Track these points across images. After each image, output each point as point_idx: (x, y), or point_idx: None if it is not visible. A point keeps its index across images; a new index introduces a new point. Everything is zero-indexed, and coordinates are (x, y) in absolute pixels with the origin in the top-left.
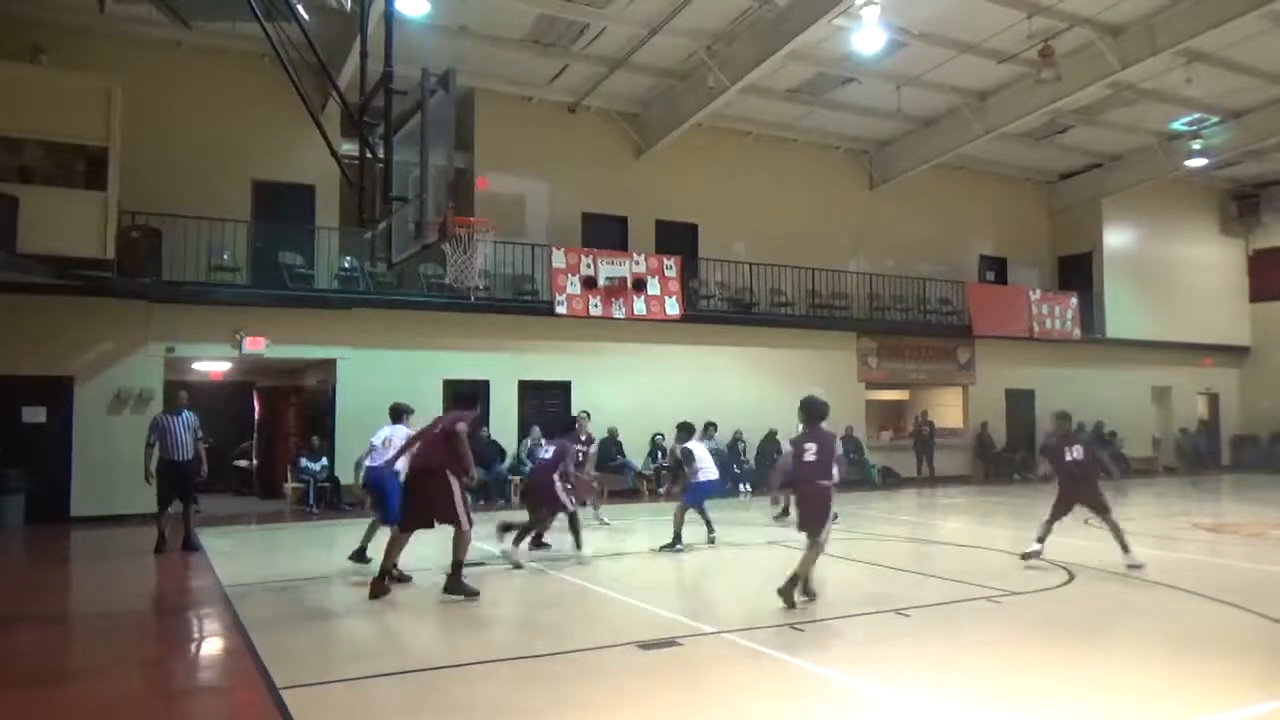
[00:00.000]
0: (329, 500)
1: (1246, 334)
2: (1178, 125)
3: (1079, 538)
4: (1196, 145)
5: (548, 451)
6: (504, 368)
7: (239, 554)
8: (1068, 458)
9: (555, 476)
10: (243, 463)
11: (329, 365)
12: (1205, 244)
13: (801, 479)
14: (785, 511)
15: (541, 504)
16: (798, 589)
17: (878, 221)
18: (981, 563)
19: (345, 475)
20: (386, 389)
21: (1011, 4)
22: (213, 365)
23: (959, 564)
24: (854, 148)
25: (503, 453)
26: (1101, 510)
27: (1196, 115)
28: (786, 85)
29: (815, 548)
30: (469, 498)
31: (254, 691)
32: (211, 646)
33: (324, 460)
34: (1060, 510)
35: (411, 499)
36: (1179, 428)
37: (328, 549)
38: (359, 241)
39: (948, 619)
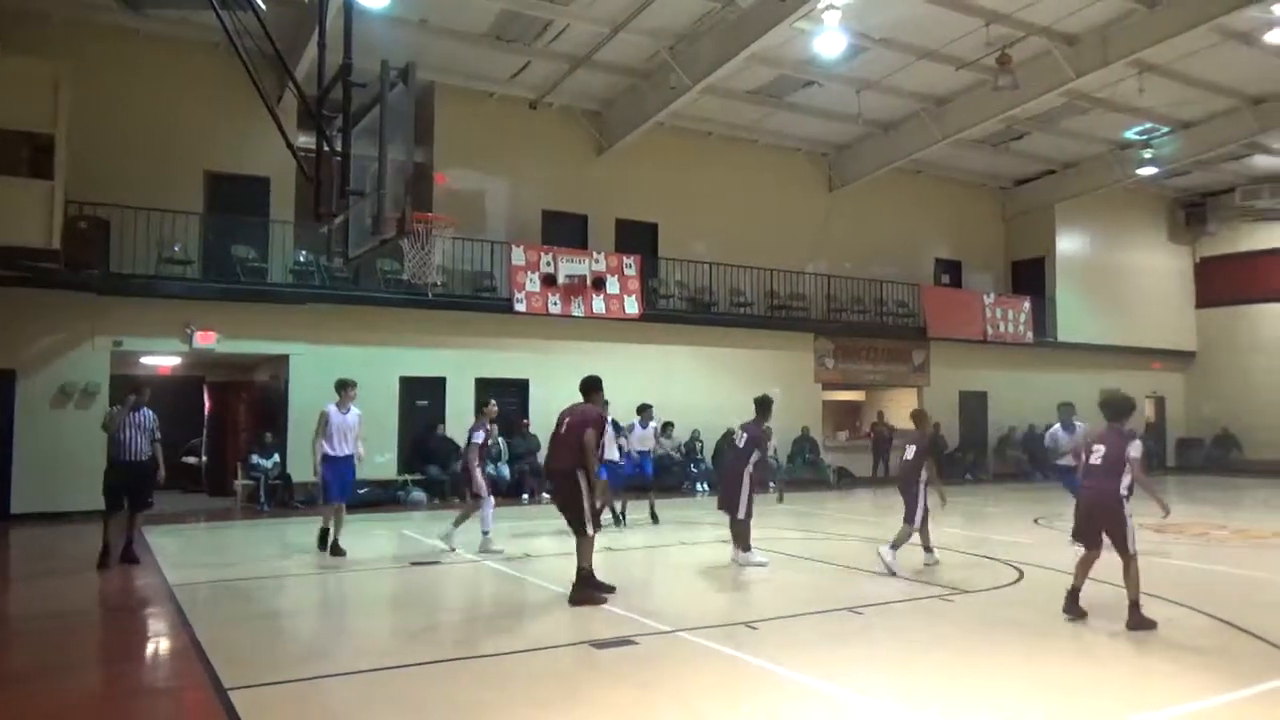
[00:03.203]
0: (281, 498)
1: (1193, 339)
2: (1129, 134)
3: (1027, 536)
4: (1147, 154)
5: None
6: (461, 365)
7: (187, 553)
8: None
9: (472, 464)
10: (191, 459)
11: (282, 361)
12: (1154, 251)
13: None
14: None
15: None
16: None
17: (836, 224)
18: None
19: (299, 471)
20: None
21: (970, 11)
22: (161, 360)
23: (912, 563)
24: (814, 150)
25: (458, 450)
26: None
27: (1148, 125)
28: (748, 86)
29: (736, 524)
30: None
31: (201, 692)
32: (157, 647)
33: (276, 457)
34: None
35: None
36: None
37: (279, 547)
38: (315, 236)
39: (900, 617)
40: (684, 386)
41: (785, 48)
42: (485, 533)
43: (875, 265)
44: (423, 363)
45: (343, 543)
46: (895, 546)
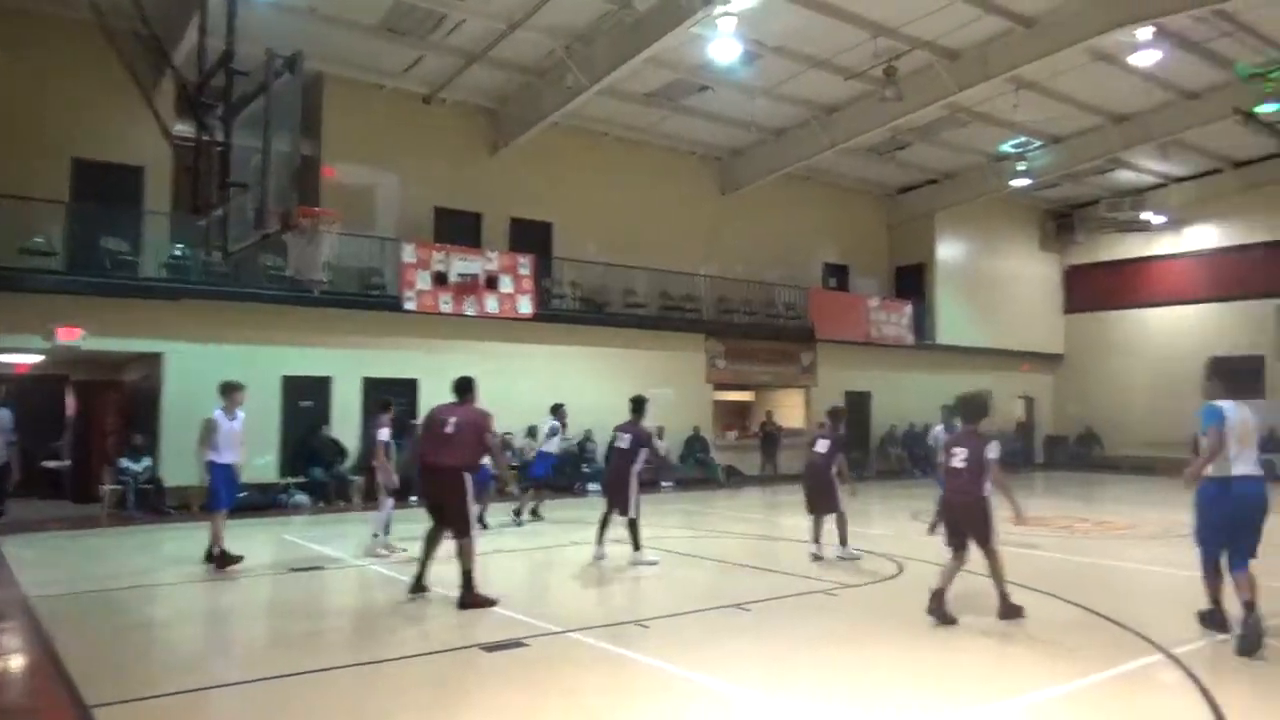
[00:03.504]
0: (151, 503)
1: (1060, 343)
2: (1005, 147)
3: (907, 531)
4: (1021, 167)
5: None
6: (348, 364)
7: (47, 562)
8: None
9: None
10: (53, 464)
11: (155, 360)
12: (1026, 259)
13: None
14: None
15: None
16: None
17: (728, 227)
18: (820, 558)
19: (173, 475)
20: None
21: (859, 24)
22: (20, 358)
23: (799, 559)
24: (707, 154)
25: (343, 452)
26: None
27: (1022, 139)
28: (644, 89)
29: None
30: None
31: (60, 713)
32: (7, 665)
33: (147, 460)
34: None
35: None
36: (999, 429)
37: (151, 555)
38: (192, 229)
39: (787, 613)
40: (577, 387)
41: (681, 52)
42: (376, 535)
43: (765, 268)
44: (307, 362)
45: (216, 550)
46: (844, 541)
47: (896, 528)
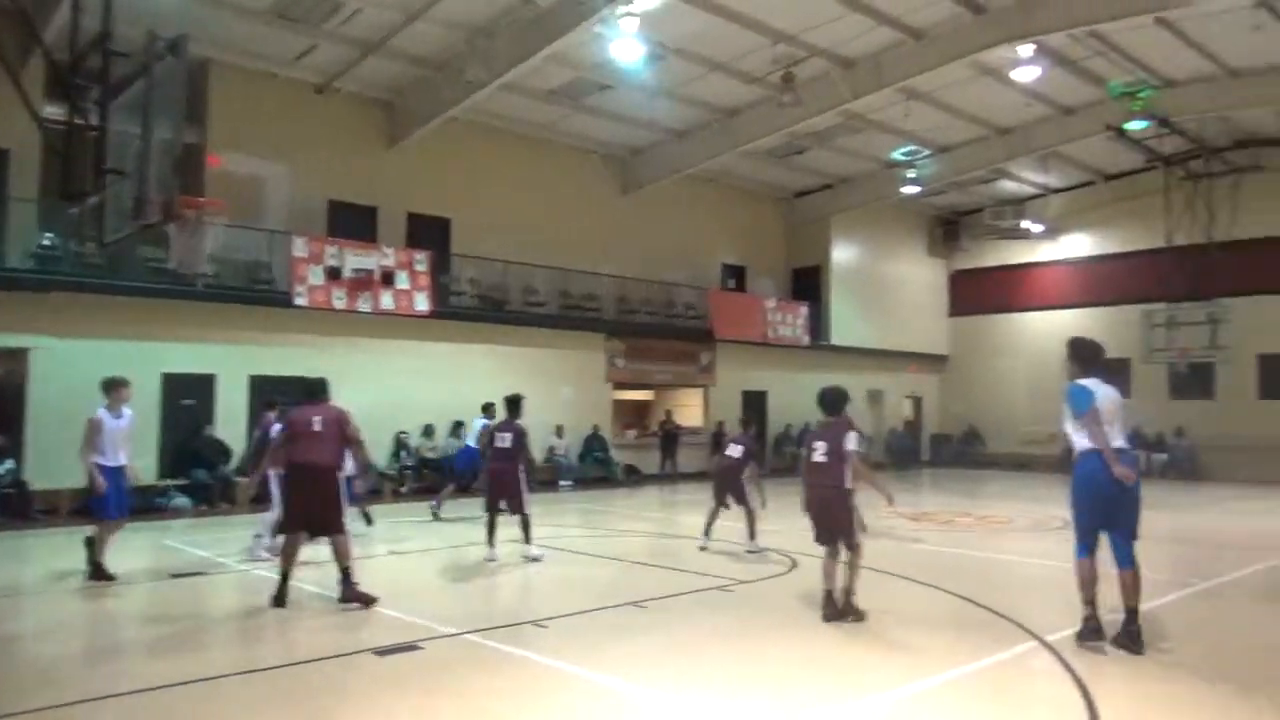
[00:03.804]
0: (16, 508)
1: (946, 345)
2: (897, 155)
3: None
4: (911, 174)
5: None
6: (234, 361)
7: None
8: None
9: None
10: None
11: (20, 355)
12: (915, 263)
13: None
14: None
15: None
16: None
17: (629, 226)
18: (716, 555)
19: (39, 478)
20: (94, 383)
21: (760, 30)
22: None
23: (696, 557)
24: (609, 153)
25: (227, 453)
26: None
27: (912, 147)
28: (546, 86)
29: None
30: None
31: None
32: None
33: (10, 462)
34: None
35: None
36: (889, 427)
37: (14, 563)
38: (63, 217)
39: (684, 609)
40: (477, 385)
41: (584, 51)
42: (259, 536)
43: (666, 268)
44: (189, 359)
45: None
46: (754, 536)
47: (790, 524)
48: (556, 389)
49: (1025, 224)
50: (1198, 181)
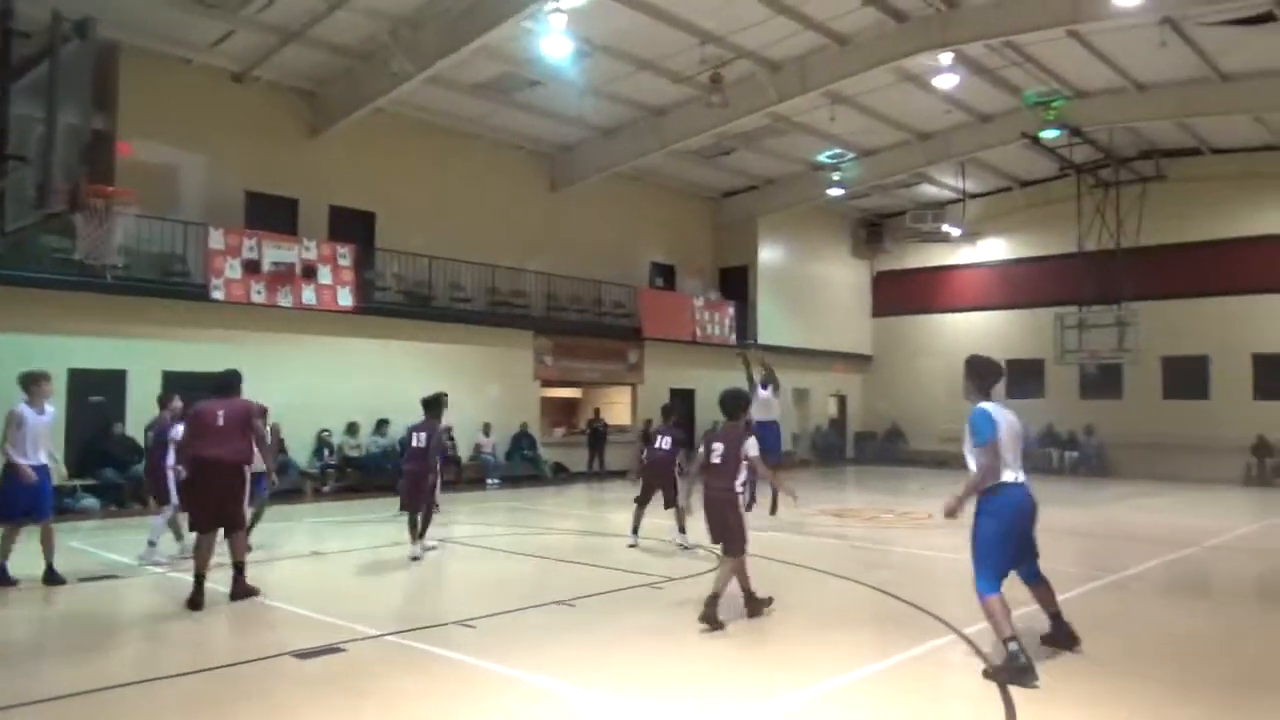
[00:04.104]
0: None
1: (869, 344)
2: (822, 157)
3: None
4: (836, 176)
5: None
6: (145, 357)
7: None
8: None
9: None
10: None
11: None
12: (840, 264)
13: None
14: None
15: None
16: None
17: (558, 224)
18: (645, 552)
19: None
20: None
21: (688, 30)
22: None
23: (624, 554)
24: (537, 149)
25: (139, 451)
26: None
27: (837, 150)
28: (474, 80)
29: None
30: None
31: None
32: None
33: None
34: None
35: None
36: (815, 425)
37: None
38: None
39: (612, 607)
40: (403, 383)
41: (512, 45)
42: (152, 544)
43: (594, 266)
44: (98, 354)
45: (11, 565)
46: (683, 530)
47: None
48: (484, 387)
49: (945, 227)
50: (1107, 189)
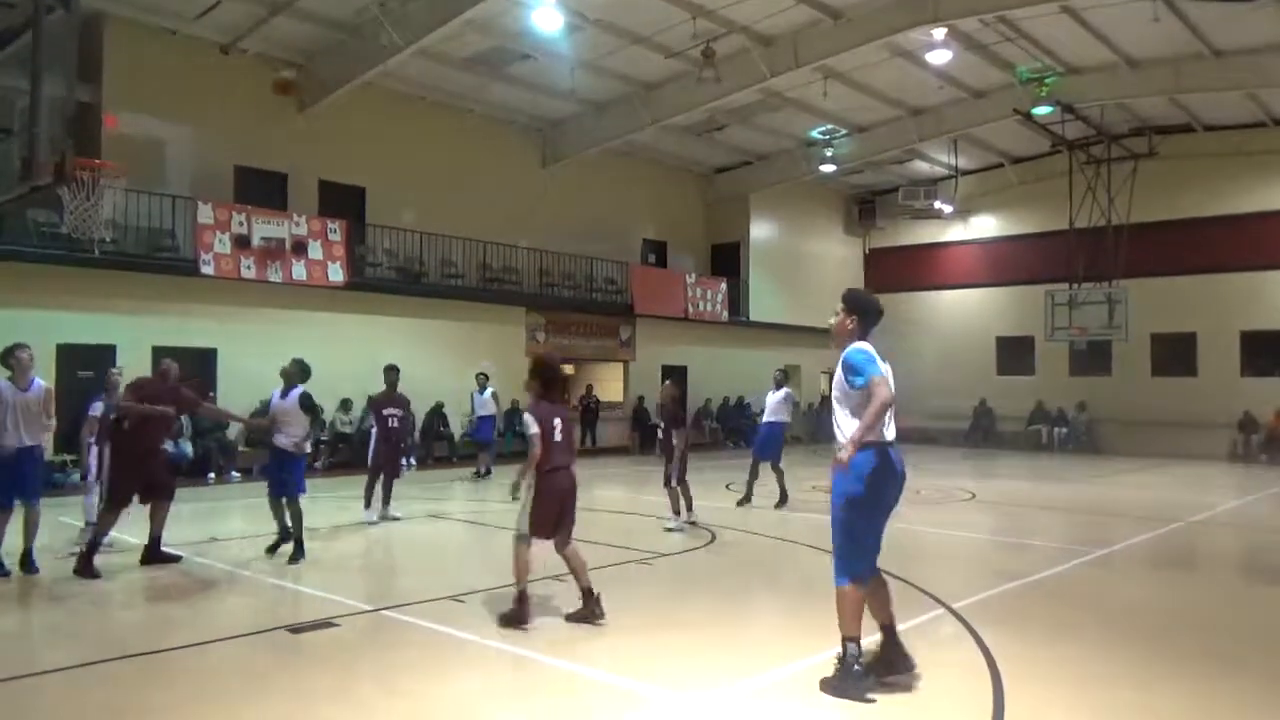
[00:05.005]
0: None
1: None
2: (814, 134)
3: (720, 501)
4: (828, 153)
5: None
6: (135, 332)
7: None
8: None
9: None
10: None
11: None
12: (832, 241)
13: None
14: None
15: None
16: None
17: (550, 199)
18: (636, 527)
19: None
20: None
21: (679, 4)
22: None
23: (616, 529)
24: (529, 124)
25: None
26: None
27: (830, 126)
28: (464, 54)
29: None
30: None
31: None
32: None
33: None
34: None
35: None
36: (807, 402)
37: None
38: None
39: (604, 582)
40: (393, 358)
41: (503, 18)
42: (90, 523)
43: (587, 242)
44: (87, 329)
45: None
46: (675, 511)
47: (710, 498)
48: (476, 363)
49: (937, 204)
50: (1099, 166)
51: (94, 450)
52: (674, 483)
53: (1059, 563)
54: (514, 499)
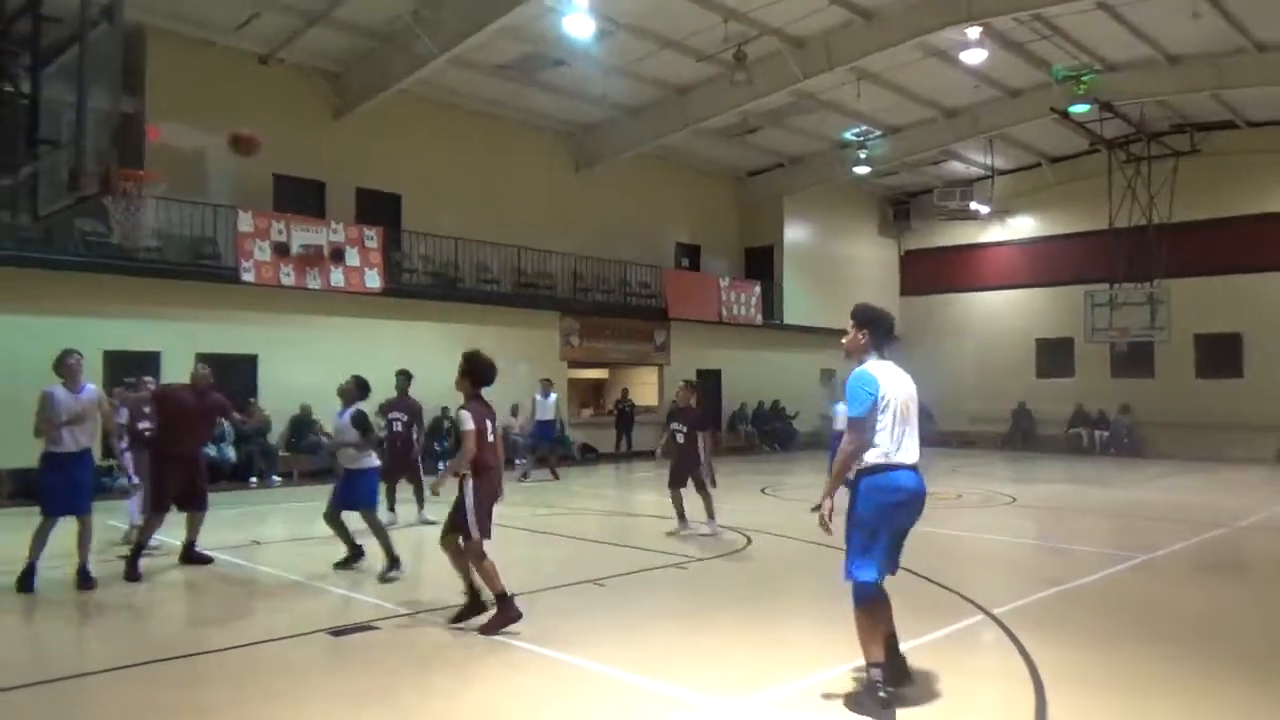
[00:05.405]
0: None
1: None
2: (848, 135)
3: (756, 505)
4: (862, 154)
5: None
6: (178, 338)
7: None
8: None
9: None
10: None
11: None
12: (866, 243)
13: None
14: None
15: None
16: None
17: (583, 204)
18: (672, 534)
19: None
20: (30, 360)
21: (710, 7)
22: None
23: (652, 533)
24: (562, 130)
25: None
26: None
27: (863, 128)
28: (497, 60)
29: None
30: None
31: None
32: None
33: None
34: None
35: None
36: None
37: None
38: None
39: (640, 587)
40: (430, 364)
41: (535, 25)
42: (134, 525)
43: (620, 246)
44: (132, 336)
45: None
46: (712, 516)
47: (746, 502)
48: (511, 368)
49: (973, 205)
50: (1138, 165)
51: (127, 455)
52: (712, 485)
53: (1102, 568)
54: (434, 495)
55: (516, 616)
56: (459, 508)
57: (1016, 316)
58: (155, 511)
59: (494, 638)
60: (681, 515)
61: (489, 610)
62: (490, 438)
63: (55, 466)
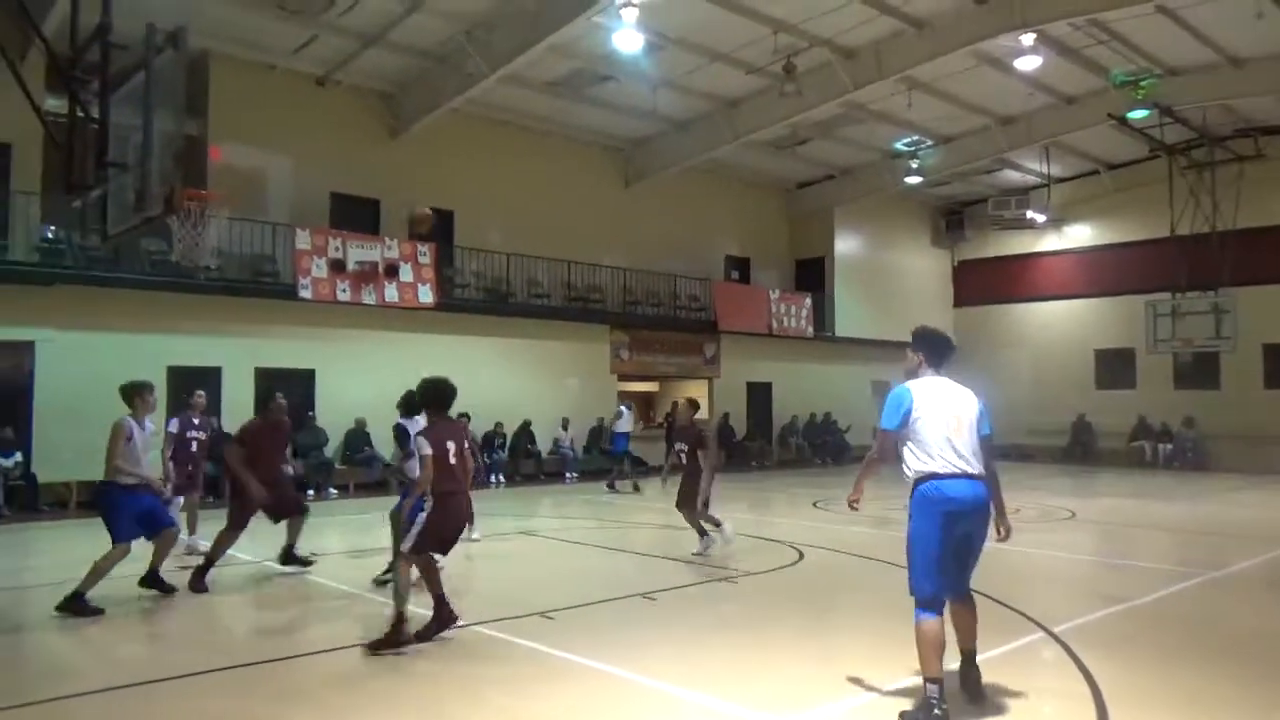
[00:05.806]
0: (23, 501)
1: (951, 335)
2: (899, 145)
3: (808, 519)
4: (914, 164)
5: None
6: (239, 354)
7: None
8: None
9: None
10: None
11: (25, 348)
12: (918, 254)
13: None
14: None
15: None
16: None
17: (632, 218)
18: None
19: (46, 472)
20: (99, 376)
21: (759, 20)
22: None
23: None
24: (611, 144)
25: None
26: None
27: (915, 137)
28: (547, 78)
29: None
30: None
31: None
32: None
33: (17, 455)
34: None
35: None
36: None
37: (20, 555)
38: (66, 210)
39: (690, 601)
40: (481, 378)
41: (584, 41)
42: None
43: (670, 259)
44: (194, 352)
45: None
46: (703, 533)
47: (798, 516)
48: (561, 381)
49: (1029, 214)
50: (1201, 170)
51: (171, 464)
52: (702, 505)
53: (1166, 585)
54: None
55: (407, 641)
56: (409, 518)
57: (1074, 327)
58: (232, 529)
59: (552, 652)
60: (702, 532)
61: (455, 623)
62: (452, 460)
63: (128, 493)
